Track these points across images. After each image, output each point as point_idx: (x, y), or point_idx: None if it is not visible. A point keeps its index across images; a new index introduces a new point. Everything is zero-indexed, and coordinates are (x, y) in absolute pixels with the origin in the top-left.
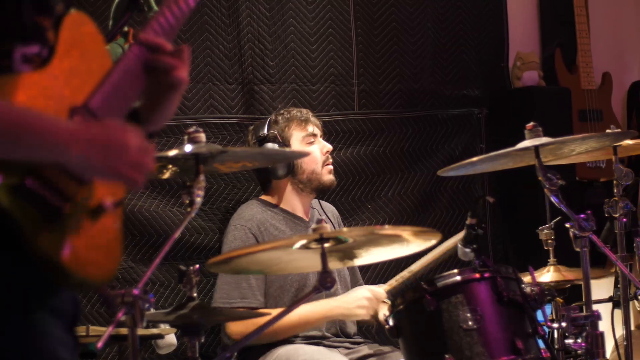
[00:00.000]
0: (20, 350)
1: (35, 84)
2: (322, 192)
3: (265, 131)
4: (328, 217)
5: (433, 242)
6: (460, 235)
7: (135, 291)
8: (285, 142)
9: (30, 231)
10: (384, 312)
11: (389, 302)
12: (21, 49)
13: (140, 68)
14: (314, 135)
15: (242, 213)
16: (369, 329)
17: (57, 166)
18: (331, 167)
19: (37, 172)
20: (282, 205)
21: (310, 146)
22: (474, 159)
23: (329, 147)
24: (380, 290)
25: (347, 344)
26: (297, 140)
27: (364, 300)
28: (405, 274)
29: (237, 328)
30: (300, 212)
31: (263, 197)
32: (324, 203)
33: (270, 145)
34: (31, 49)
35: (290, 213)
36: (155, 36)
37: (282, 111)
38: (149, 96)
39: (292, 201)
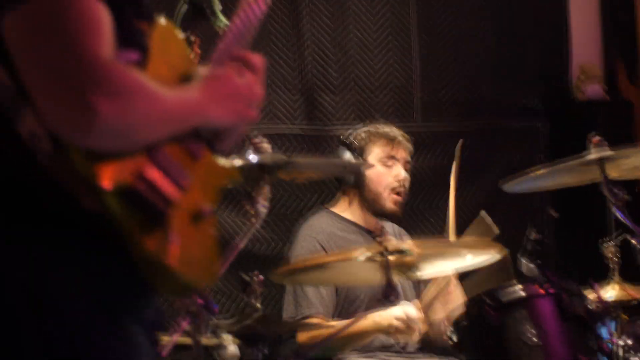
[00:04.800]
0: (109, 357)
1: None
2: (383, 217)
3: (348, 137)
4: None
5: (495, 255)
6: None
7: (200, 301)
8: (360, 153)
9: (137, 235)
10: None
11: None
12: (123, 55)
13: None
14: (394, 158)
15: (312, 224)
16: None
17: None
18: (399, 198)
19: (144, 176)
20: (350, 218)
21: (387, 169)
22: (537, 171)
23: (403, 175)
24: (413, 313)
25: (405, 355)
26: (374, 157)
27: (394, 320)
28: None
29: (302, 337)
30: (369, 225)
31: (332, 208)
32: (397, 227)
33: (347, 153)
34: (131, 55)
35: (359, 226)
36: (230, 46)
37: (377, 123)
38: None
39: (360, 215)
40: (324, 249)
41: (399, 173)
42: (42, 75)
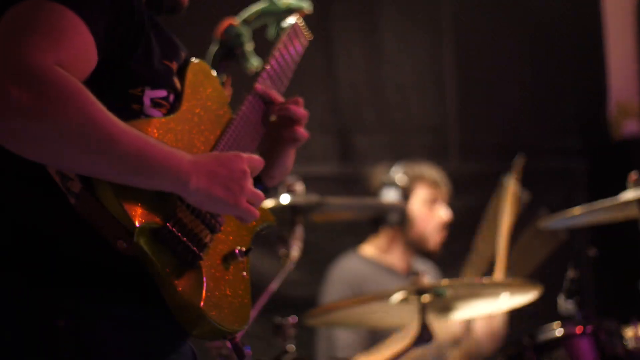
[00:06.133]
0: None
1: (164, 128)
2: (426, 257)
3: (393, 176)
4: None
5: (532, 295)
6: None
7: (232, 344)
8: (405, 195)
9: (169, 278)
10: None
11: None
12: (150, 94)
13: (258, 118)
14: (436, 200)
15: (343, 266)
16: None
17: (187, 207)
18: (442, 234)
19: (176, 217)
20: (381, 258)
21: (432, 210)
22: (576, 211)
23: (447, 215)
24: None
25: None
26: (419, 198)
27: None
28: None
29: None
30: (398, 267)
31: (365, 249)
32: (429, 265)
33: (392, 193)
34: (159, 93)
35: (391, 268)
36: (267, 86)
37: (417, 163)
38: (267, 150)
39: (394, 254)
40: (353, 292)
41: (443, 214)
42: None
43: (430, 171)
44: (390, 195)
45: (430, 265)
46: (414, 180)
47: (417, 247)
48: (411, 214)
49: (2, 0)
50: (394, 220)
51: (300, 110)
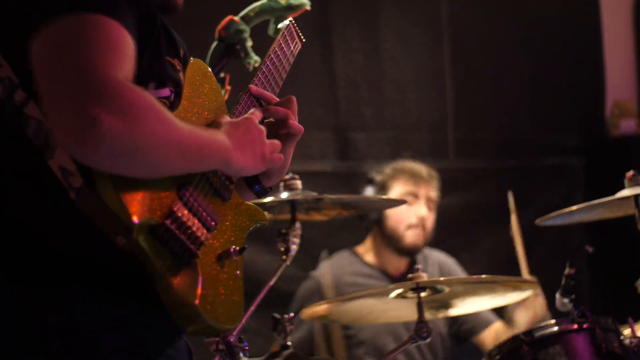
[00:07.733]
0: None
1: None
2: (404, 254)
3: (375, 174)
4: (428, 267)
5: (530, 292)
6: None
7: (230, 339)
8: (382, 190)
9: (165, 274)
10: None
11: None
12: (154, 93)
13: None
14: (415, 195)
15: (325, 264)
16: None
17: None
18: (418, 231)
19: (174, 215)
20: (373, 259)
21: (409, 205)
22: (573, 207)
23: (423, 213)
24: None
25: None
26: (395, 193)
27: None
28: None
29: None
30: (390, 267)
31: (357, 248)
32: (430, 252)
33: (370, 189)
34: (162, 92)
35: (379, 269)
36: (262, 87)
37: (404, 159)
38: None
39: (382, 255)
40: (323, 291)
41: (418, 210)
42: (52, 89)
43: (412, 166)
44: (369, 192)
45: (451, 260)
46: (392, 175)
47: (392, 245)
48: (386, 210)
49: (30, 12)
50: (372, 218)
51: (281, 110)
